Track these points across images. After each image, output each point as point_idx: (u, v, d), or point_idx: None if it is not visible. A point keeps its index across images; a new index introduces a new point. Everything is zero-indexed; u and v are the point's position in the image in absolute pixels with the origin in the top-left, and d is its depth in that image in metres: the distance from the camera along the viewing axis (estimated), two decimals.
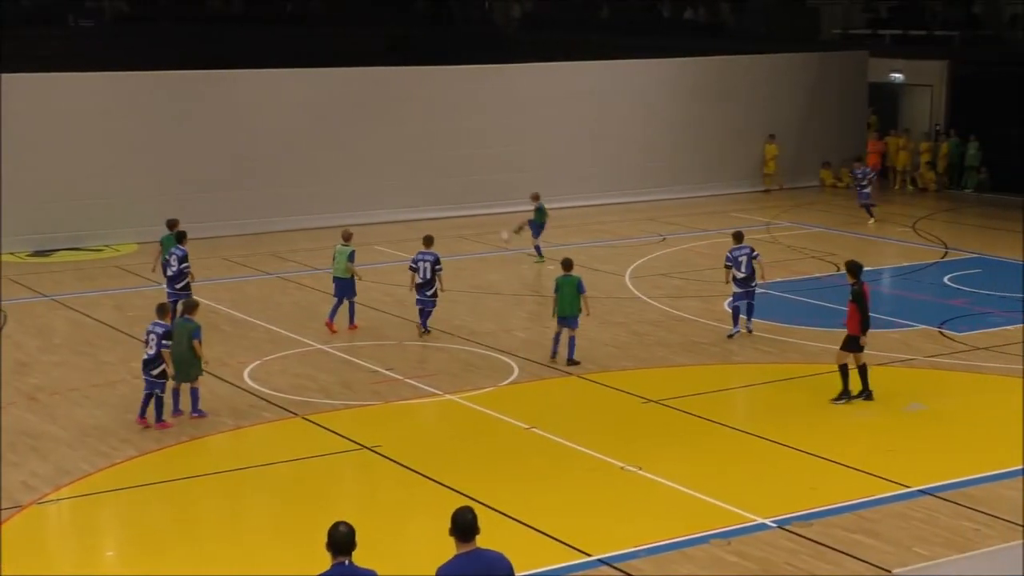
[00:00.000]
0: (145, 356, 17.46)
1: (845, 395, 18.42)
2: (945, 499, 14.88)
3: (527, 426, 17.46)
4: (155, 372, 17.36)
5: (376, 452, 16.50)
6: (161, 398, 17.48)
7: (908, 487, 15.22)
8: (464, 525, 9.08)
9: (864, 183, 33.40)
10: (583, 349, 21.17)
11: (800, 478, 15.71)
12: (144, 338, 17.58)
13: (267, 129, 31.88)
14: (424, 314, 22.09)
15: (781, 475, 15.86)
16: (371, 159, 33.13)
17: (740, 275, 21.87)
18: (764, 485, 15.45)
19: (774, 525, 14.15)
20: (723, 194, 37.35)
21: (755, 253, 22.21)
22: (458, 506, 9.21)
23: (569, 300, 20.31)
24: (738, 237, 22.52)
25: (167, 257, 22.44)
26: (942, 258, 28.96)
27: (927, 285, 26.54)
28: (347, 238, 22.49)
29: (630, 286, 26.09)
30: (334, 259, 22.42)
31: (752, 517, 14.33)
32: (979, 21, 42.75)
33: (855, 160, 35.77)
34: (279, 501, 15.33)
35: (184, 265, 22.01)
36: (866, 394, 18.45)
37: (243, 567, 13.33)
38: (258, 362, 20.52)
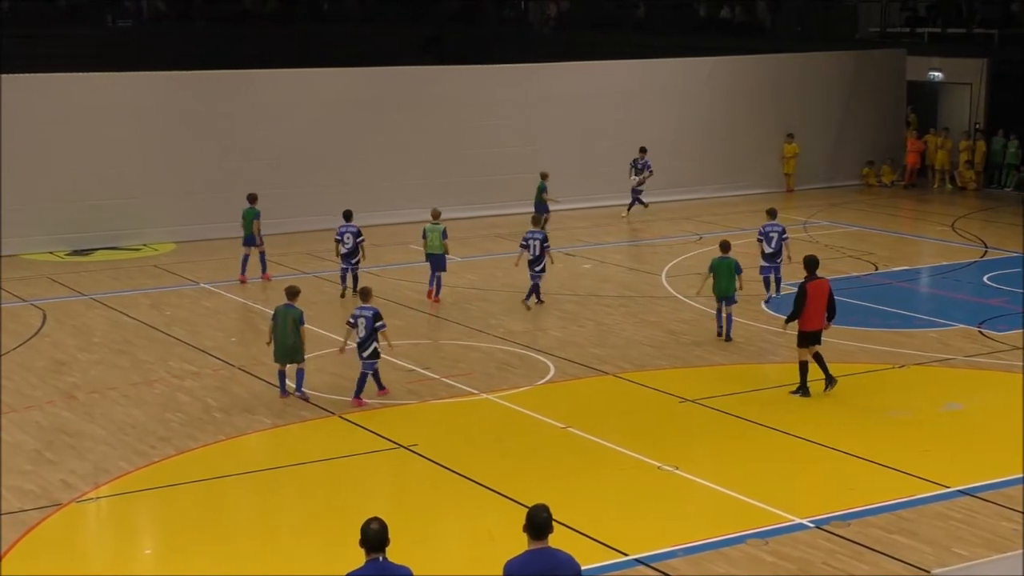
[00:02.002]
0: (357, 340, 18.24)
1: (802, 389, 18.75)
2: (984, 499, 14.77)
3: (563, 425, 17.44)
4: (366, 354, 18.26)
5: (412, 451, 16.52)
6: (367, 376, 18.41)
7: (947, 487, 15.12)
8: (538, 523, 9.17)
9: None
10: (619, 348, 21.17)
11: (838, 478, 15.63)
12: (351, 322, 18.36)
13: (303, 128, 31.98)
14: (535, 287, 23.94)
15: (818, 475, 15.78)
16: (404, 158, 33.15)
17: (768, 250, 23.76)
18: (801, 485, 15.39)
19: (812, 525, 14.08)
20: (757, 193, 37.17)
21: (786, 235, 23.86)
22: (535, 504, 9.32)
23: (726, 282, 21.53)
24: (772, 214, 24.30)
25: (341, 234, 24.50)
26: (981, 257, 28.74)
27: (966, 284, 26.36)
28: (436, 216, 24.60)
29: (666, 285, 26.02)
30: (425, 237, 24.34)
31: (789, 517, 14.26)
32: (1018, 19, 42.36)
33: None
34: (316, 500, 15.37)
35: (361, 239, 24.53)
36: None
37: (279, 565, 13.39)
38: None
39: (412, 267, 26.46)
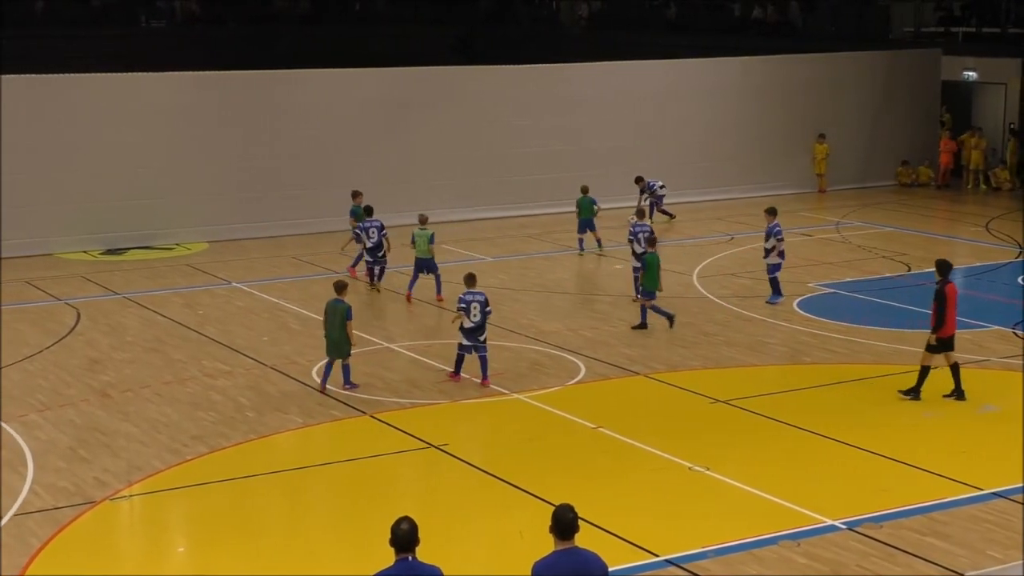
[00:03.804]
0: (471, 324, 18.92)
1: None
2: (1018, 502, 14.65)
3: (594, 426, 17.42)
4: (481, 338, 19.01)
5: (443, 451, 16.53)
6: (486, 359, 19.17)
7: (981, 489, 15.01)
8: (565, 523, 9.16)
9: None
10: (650, 348, 21.13)
11: (870, 479, 15.54)
12: (462, 307, 18.95)
13: (334, 128, 32.05)
14: (637, 280, 23.91)
15: (851, 476, 15.69)
16: (435, 158, 33.20)
17: (766, 246, 24.16)
18: (833, 486, 15.30)
19: (844, 527, 14.01)
20: (790, 193, 37.04)
21: (780, 234, 24.03)
22: (560, 504, 9.31)
23: (655, 277, 22.11)
24: (772, 212, 24.47)
25: (365, 229, 25.08)
26: (1016, 258, 28.54)
27: (1000, 286, 26.18)
28: (424, 221, 24.59)
29: (697, 285, 25.96)
30: (414, 242, 24.36)
31: (821, 518, 14.20)
32: None
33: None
34: (347, 499, 15.40)
35: (384, 232, 25.04)
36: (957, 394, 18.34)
37: (310, 564, 13.42)
38: (326, 360, 20.62)
39: (443, 267, 26.46)
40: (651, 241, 23.00)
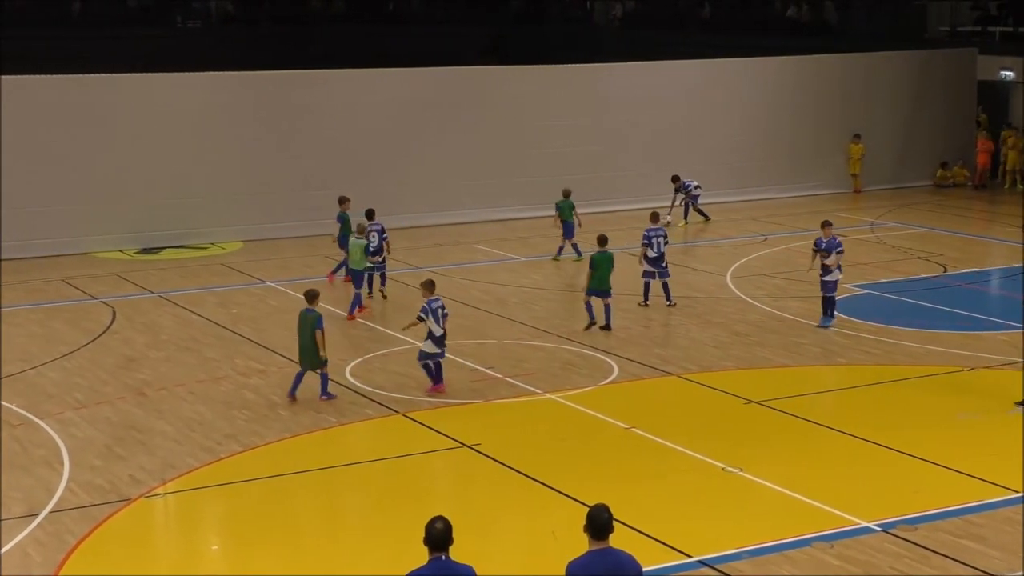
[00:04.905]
0: (440, 332, 18.50)
1: None
2: None
3: (627, 426, 17.40)
4: (440, 349, 18.64)
5: (476, 450, 16.55)
6: (438, 364, 18.75)
7: (1016, 492, 14.90)
8: (599, 523, 9.17)
9: None
10: (683, 348, 21.11)
11: (905, 481, 15.47)
12: (423, 316, 18.52)
13: (368, 128, 32.14)
14: (665, 285, 23.90)
15: (885, 478, 15.61)
16: (468, 158, 33.24)
17: (827, 262, 22.40)
18: (867, 488, 15.23)
19: (878, 529, 13.94)
20: (824, 194, 36.95)
21: (841, 247, 22.63)
22: (595, 504, 9.33)
23: (605, 275, 22.11)
24: (830, 225, 22.91)
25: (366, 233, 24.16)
26: None
27: None
28: (361, 231, 23.77)
29: (731, 286, 25.89)
30: (348, 252, 23.83)
31: (855, 520, 14.13)
32: None
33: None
34: (379, 498, 15.43)
35: (385, 236, 24.32)
36: None
37: (342, 563, 13.46)
38: (360, 359, 20.70)
39: (476, 267, 26.53)
40: (602, 240, 22.51)
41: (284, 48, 38.67)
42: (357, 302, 23.39)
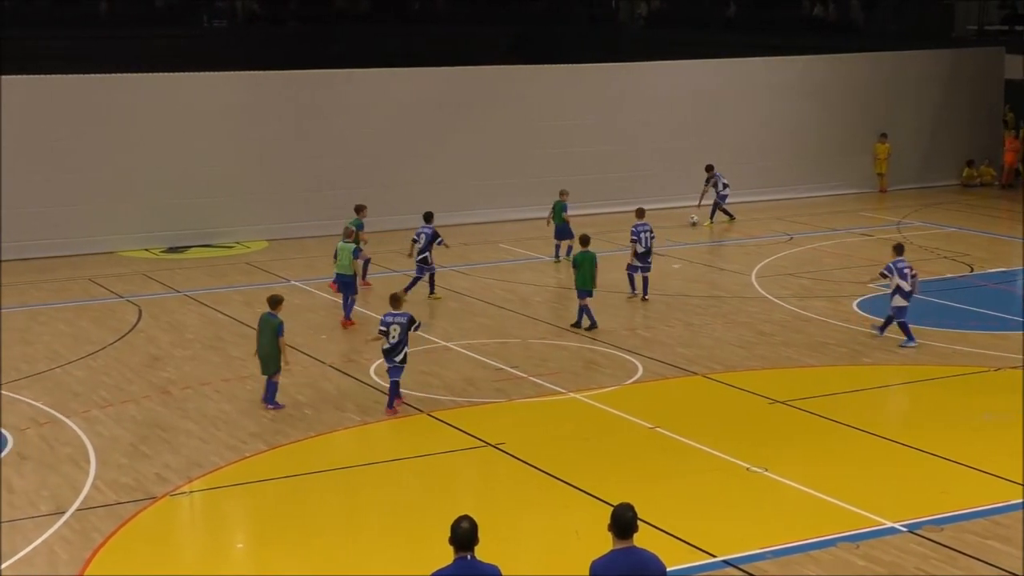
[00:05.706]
0: (387, 345, 17.82)
1: None
2: None
3: (651, 425, 17.38)
4: (398, 359, 17.83)
5: (500, 449, 16.55)
6: (398, 384, 17.98)
7: None
8: (623, 522, 9.17)
9: None
10: (708, 348, 21.06)
11: (931, 482, 15.40)
12: (383, 328, 17.84)
13: (393, 127, 32.19)
14: (645, 280, 24.33)
15: (911, 478, 15.55)
16: (492, 157, 33.23)
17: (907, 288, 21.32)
18: (893, 488, 15.17)
19: (904, 529, 13.88)
20: (850, 193, 36.83)
21: (914, 272, 21.64)
22: (619, 503, 9.34)
23: (588, 275, 22.17)
24: (901, 250, 21.81)
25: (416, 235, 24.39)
26: None
27: None
28: (349, 235, 23.16)
29: (756, 286, 25.81)
30: (336, 257, 22.95)
31: (881, 520, 14.08)
32: None
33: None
34: (404, 497, 15.44)
35: (440, 241, 24.34)
36: None
37: (367, 562, 13.48)
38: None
39: (501, 266, 26.53)
40: (584, 240, 22.80)
41: (309, 47, 38.76)
42: (351, 306, 22.94)
